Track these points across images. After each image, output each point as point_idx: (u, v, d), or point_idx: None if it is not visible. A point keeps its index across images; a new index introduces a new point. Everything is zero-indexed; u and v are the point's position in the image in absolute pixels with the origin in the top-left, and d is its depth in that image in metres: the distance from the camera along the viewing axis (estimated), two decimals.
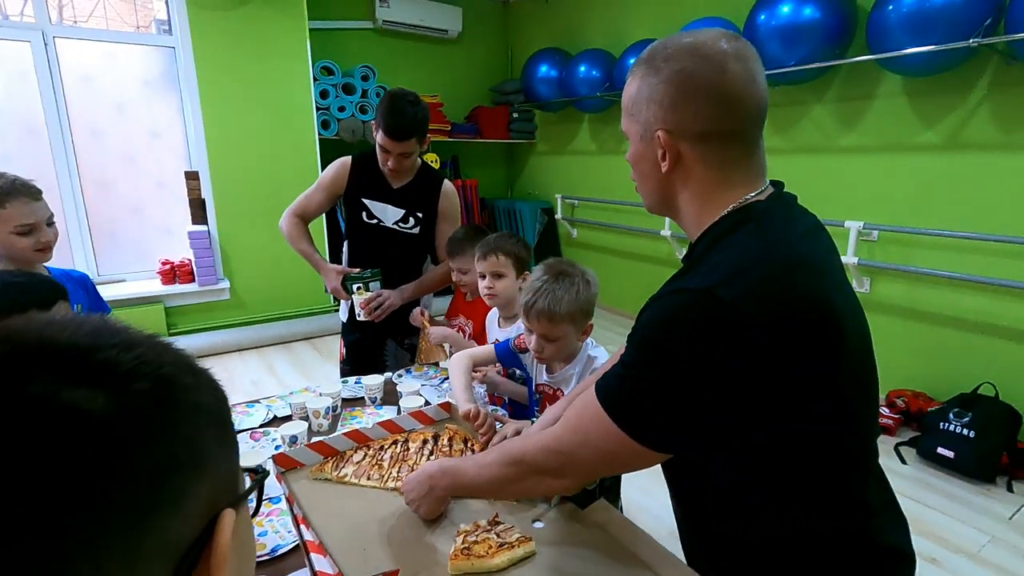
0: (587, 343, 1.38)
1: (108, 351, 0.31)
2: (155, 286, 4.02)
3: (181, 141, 4.11)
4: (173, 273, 4.07)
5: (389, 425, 1.27)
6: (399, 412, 1.53)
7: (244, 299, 4.26)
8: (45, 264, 1.53)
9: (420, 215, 2.01)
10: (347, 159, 2.02)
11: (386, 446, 1.21)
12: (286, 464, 1.13)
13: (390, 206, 1.99)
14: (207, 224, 4.09)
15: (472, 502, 1.05)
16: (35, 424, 0.26)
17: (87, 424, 0.27)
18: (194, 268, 4.06)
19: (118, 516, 0.27)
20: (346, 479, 1.10)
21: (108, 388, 0.29)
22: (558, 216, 5.15)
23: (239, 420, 1.60)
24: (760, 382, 0.66)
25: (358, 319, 1.97)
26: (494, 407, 1.66)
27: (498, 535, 0.93)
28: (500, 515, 1.01)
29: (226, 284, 4.15)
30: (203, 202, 4.10)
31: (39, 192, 1.49)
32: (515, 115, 5.22)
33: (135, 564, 0.28)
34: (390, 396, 1.71)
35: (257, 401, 1.74)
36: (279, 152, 4.18)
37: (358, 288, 1.96)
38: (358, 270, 2.00)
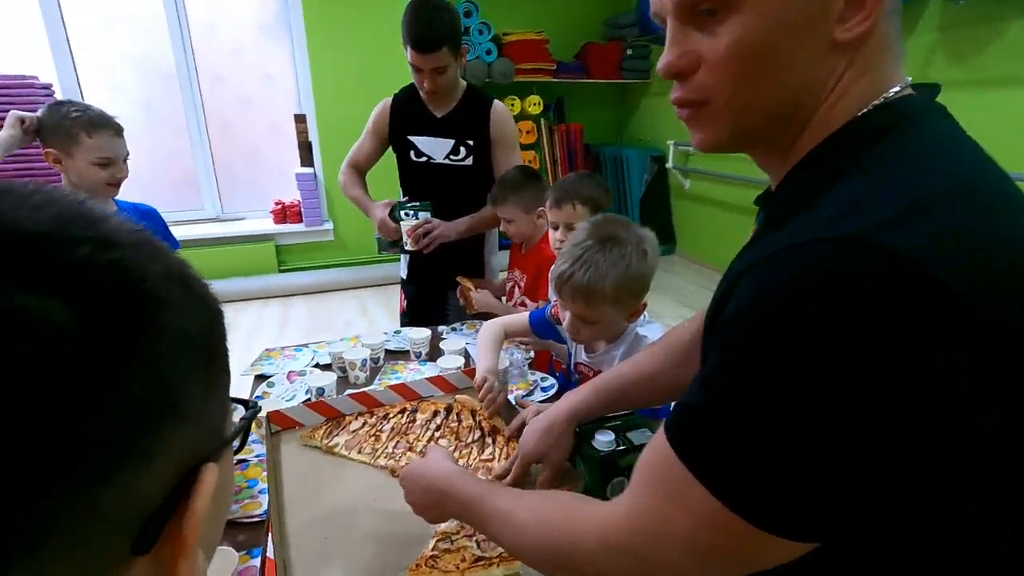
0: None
1: (78, 247, 0.23)
2: (268, 225, 4.27)
3: (292, 85, 4.23)
4: (284, 213, 4.29)
5: (401, 389, 1.14)
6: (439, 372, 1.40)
7: (346, 241, 4.40)
8: (113, 198, 1.58)
9: (471, 143, 1.80)
10: (388, 99, 1.87)
11: (391, 415, 1.08)
12: (281, 423, 1.04)
13: (438, 138, 1.80)
14: (313, 166, 4.22)
15: None
16: None
17: (36, 341, 0.20)
18: (301, 209, 4.25)
19: (68, 467, 0.21)
20: (336, 449, 0.99)
21: (69, 298, 0.21)
22: (669, 165, 4.66)
23: (284, 363, 1.58)
24: (981, 398, 0.38)
25: (405, 248, 1.82)
26: (541, 377, 1.48)
27: (479, 545, 0.76)
28: None
29: (330, 226, 4.31)
30: (310, 145, 4.23)
31: (122, 129, 1.52)
32: (628, 52, 4.73)
33: (88, 524, 0.22)
34: (439, 352, 1.59)
35: (305, 345, 1.71)
36: (381, 95, 4.14)
37: (405, 214, 1.78)
38: (406, 199, 1.84)
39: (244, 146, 4.28)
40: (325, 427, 1.03)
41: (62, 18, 3.61)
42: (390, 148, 1.91)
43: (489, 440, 1.00)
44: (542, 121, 4.66)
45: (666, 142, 4.67)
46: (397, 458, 0.96)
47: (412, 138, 1.81)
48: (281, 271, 4.29)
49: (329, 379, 1.34)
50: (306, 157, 4.24)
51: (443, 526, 0.81)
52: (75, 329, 0.21)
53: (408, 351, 1.62)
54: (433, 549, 0.75)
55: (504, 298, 1.88)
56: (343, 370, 1.48)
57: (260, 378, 1.51)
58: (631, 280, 1.00)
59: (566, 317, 1.06)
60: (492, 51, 4.27)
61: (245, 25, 4.04)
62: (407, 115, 1.82)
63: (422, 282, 1.95)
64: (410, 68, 1.68)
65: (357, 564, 0.77)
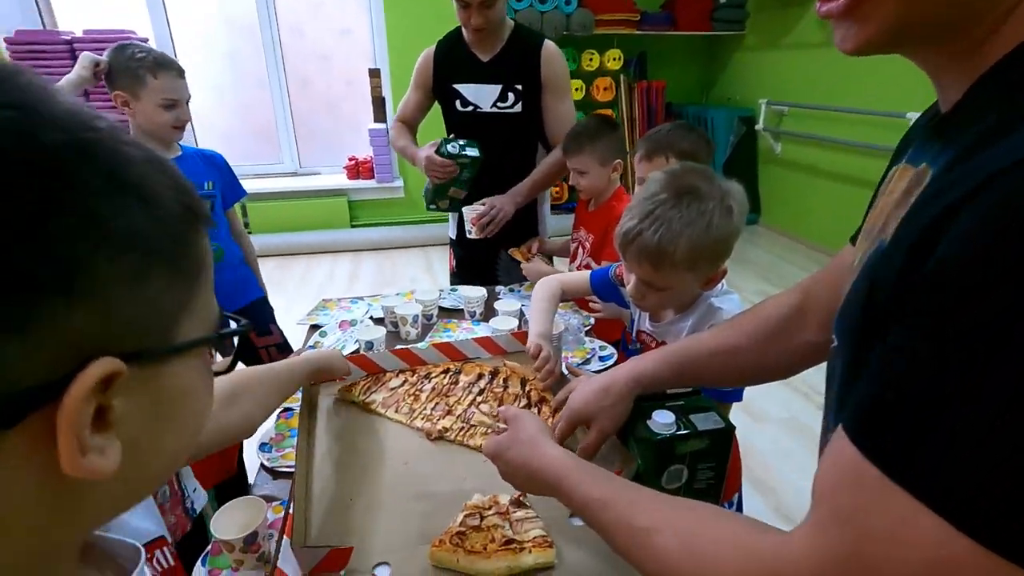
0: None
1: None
2: (342, 180, 4.34)
3: (368, 39, 4.20)
4: (357, 169, 4.34)
5: (446, 348, 1.08)
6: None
7: (416, 199, 4.40)
8: (180, 142, 1.59)
9: (520, 88, 1.66)
10: (430, 48, 1.74)
11: (434, 374, 1.01)
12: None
13: (484, 85, 1.67)
14: (386, 122, 4.21)
15: None
16: None
17: None
18: (373, 165, 4.28)
19: None
20: (372, 407, 0.94)
21: None
22: (759, 127, 4.28)
23: (339, 314, 1.56)
24: None
25: (468, 236, 1.72)
26: (600, 345, 1.37)
27: (512, 525, 0.68)
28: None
29: (400, 183, 4.32)
30: (383, 100, 4.22)
31: (183, 71, 1.53)
32: (722, 0, 4.32)
33: None
34: (494, 313, 1.52)
35: (361, 298, 1.69)
36: None
37: (452, 147, 1.61)
38: (452, 135, 1.72)
39: (322, 101, 4.33)
40: (364, 382, 0.98)
41: None
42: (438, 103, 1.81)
43: (535, 411, 0.92)
44: (621, 77, 4.39)
45: (757, 101, 4.28)
46: (435, 421, 0.90)
47: (457, 86, 1.70)
48: (353, 226, 4.37)
49: (379, 333, 1.30)
50: (379, 113, 4.24)
51: (476, 497, 0.74)
52: None
53: (462, 310, 1.57)
54: (461, 524, 0.68)
55: (568, 260, 1.77)
56: (395, 325, 1.44)
57: (315, 328, 1.50)
58: (710, 242, 0.85)
59: (631, 280, 0.93)
60: (571, 1, 4.02)
61: None
62: (451, 62, 1.70)
63: (471, 243, 1.87)
64: (455, 6, 1.56)
65: (379, 531, 0.71)
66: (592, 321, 1.48)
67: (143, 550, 0.37)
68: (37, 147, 0.23)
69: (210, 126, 4.12)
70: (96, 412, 0.24)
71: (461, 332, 1.45)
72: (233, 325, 0.34)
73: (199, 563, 0.81)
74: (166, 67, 1.45)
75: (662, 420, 0.72)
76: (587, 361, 1.32)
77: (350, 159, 4.35)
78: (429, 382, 0.99)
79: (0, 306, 0.22)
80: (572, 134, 1.53)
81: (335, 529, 0.71)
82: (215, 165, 1.67)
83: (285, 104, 4.22)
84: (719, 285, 0.95)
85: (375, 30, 4.07)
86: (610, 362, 1.31)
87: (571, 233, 1.73)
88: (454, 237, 1.97)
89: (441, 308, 1.58)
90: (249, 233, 1.86)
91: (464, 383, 0.99)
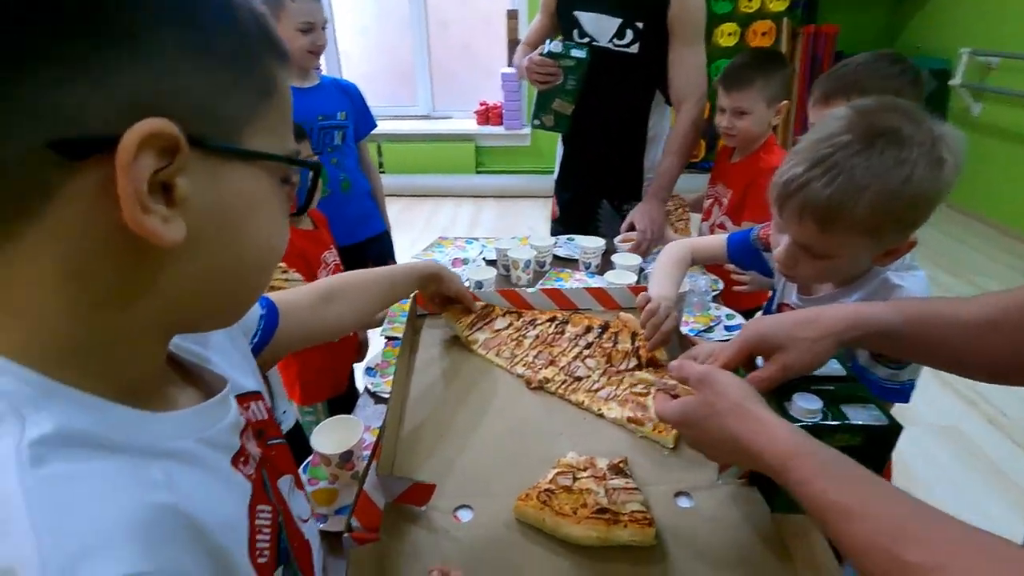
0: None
1: None
2: (471, 125, 4.36)
3: None
4: (487, 114, 4.33)
5: (555, 295, 1.00)
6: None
7: (542, 148, 4.31)
8: (317, 69, 1.63)
9: (640, 26, 1.45)
10: None
11: (540, 321, 0.95)
12: (427, 307, 0.98)
13: (605, 16, 1.48)
14: None
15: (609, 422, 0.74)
16: None
17: None
18: (503, 111, 4.23)
19: None
20: (474, 346, 0.91)
21: None
22: (955, 82, 3.57)
23: (453, 252, 1.56)
24: None
25: (533, 125, 1.60)
26: (727, 313, 1.22)
27: (607, 493, 0.61)
28: (632, 460, 0.68)
29: (527, 131, 4.24)
30: (518, 43, 4.10)
31: None
32: None
33: (30, 107, 0.25)
34: (610, 266, 1.42)
35: (476, 239, 1.67)
36: None
37: (553, 49, 1.47)
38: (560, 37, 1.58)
39: (458, 43, 4.33)
40: (471, 317, 0.94)
41: None
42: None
43: (646, 374, 0.83)
44: (785, 20, 3.86)
45: (957, 51, 3.55)
46: (536, 369, 0.85)
47: (579, 13, 1.53)
48: (478, 172, 4.40)
49: (489, 274, 1.27)
50: (513, 56, 4.14)
51: (571, 455, 0.67)
52: None
53: (577, 260, 1.48)
54: (551, 482, 0.62)
55: (700, 219, 1.59)
56: (507, 268, 1.40)
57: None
58: (904, 203, 0.65)
59: (782, 242, 0.75)
60: None
61: None
62: None
63: (573, 189, 1.74)
64: None
65: (467, 473, 0.68)
66: (721, 285, 1.32)
67: (229, 381, 0.40)
68: None
69: (355, 66, 4.30)
70: (162, 186, 0.28)
71: (574, 282, 1.37)
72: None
73: (300, 469, 0.84)
74: None
75: (805, 405, 0.59)
76: (710, 329, 1.19)
77: (481, 104, 4.33)
78: (535, 328, 0.93)
79: (69, 38, 0.25)
80: (737, 66, 1.34)
81: (422, 463, 0.69)
82: (349, 95, 1.70)
83: (424, 47, 4.27)
84: (903, 259, 0.76)
85: None
86: (735, 332, 1.16)
87: (707, 188, 1.56)
88: (557, 178, 1.83)
89: (556, 256, 1.51)
90: (382, 172, 1.89)
91: (571, 334, 0.91)
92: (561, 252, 1.53)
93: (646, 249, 1.46)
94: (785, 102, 1.30)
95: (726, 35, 3.83)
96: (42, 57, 0.25)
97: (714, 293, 1.32)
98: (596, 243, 1.45)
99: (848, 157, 0.65)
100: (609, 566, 0.57)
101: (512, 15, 4.05)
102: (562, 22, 1.60)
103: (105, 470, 0.27)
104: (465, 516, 0.63)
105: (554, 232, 1.81)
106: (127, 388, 0.31)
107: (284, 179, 0.35)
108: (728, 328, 1.19)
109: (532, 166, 4.34)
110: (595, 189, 1.72)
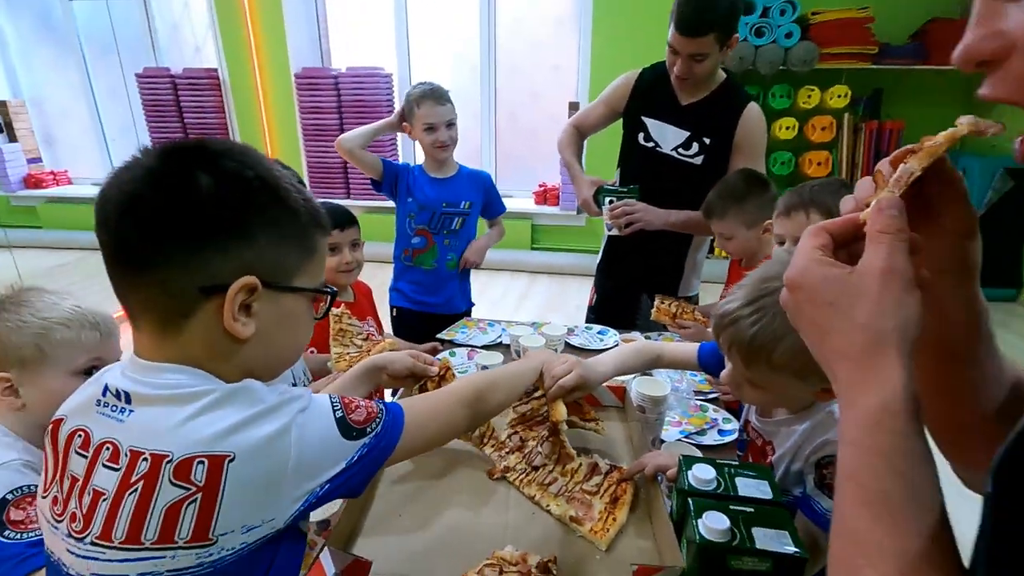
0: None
1: (233, 158, 0.55)
2: (529, 204, 4.59)
3: (575, 75, 4.40)
4: (544, 195, 4.56)
5: None
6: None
7: (597, 229, 4.44)
8: (454, 159, 1.89)
9: (707, 141, 1.58)
10: (633, 72, 1.72)
11: (535, 395, 0.99)
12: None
13: (671, 127, 1.62)
14: None
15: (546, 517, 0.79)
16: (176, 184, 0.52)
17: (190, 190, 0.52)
18: (560, 193, 4.45)
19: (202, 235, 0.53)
20: None
21: (213, 176, 0.53)
22: None
23: (474, 335, 1.67)
24: None
25: (608, 232, 1.73)
26: (724, 417, 1.23)
27: None
28: (562, 560, 0.72)
29: (582, 213, 4.40)
30: None
31: (442, 96, 1.77)
32: None
33: (193, 269, 0.53)
34: None
35: (498, 322, 1.77)
36: None
37: (610, 201, 1.66)
38: (615, 182, 1.73)
39: (525, 131, 4.66)
40: (431, 383, 1.01)
41: (406, 20, 4.43)
42: (618, 124, 1.80)
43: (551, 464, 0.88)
44: (846, 116, 3.88)
45: None
46: (503, 454, 0.91)
47: (646, 119, 1.68)
48: (533, 248, 4.59)
49: (496, 359, 1.35)
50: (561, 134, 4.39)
51: (506, 550, 0.73)
52: (212, 188, 0.53)
53: (596, 350, 1.54)
54: (478, 572, 0.68)
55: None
56: (519, 355, 1.48)
57: (448, 343, 1.63)
58: None
59: (727, 367, 0.81)
60: (793, 33, 3.69)
61: (545, 19, 4.35)
62: (650, 95, 1.68)
63: (615, 279, 1.82)
64: (667, 47, 1.55)
65: (405, 551, 0.75)
66: (715, 394, 1.34)
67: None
68: (248, 181, 0.55)
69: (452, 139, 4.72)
70: (244, 306, 0.54)
71: None
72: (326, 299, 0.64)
73: None
74: (427, 97, 1.74)
75: (712, 523, 0.63)
76: (702, 432, 1.20)
77: (540, 185, 4.58)
78: (526, 404, 0.97)
79: (224, 236, 0.53)
80: (715, 195, 1.43)
81: (373, 541, 0.77)
82: (479, 185, 1.92)
83: (491, 136, 4.63)
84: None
85: (581, 66, 4.25)
86: (729, 437, 1.17)
87: (723, 290, 1.60)
88: (598, 261, 1.96)
89: (568, 344, 1.58)
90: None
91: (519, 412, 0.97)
92: (575, 341, 1.61)
93: (627, 221, 1.60)
94: (768, 222, 1.34)
95: (784, 128, 3.89)
96: (209, 244, 0.52)
97: (713, 395, 1.33)
98: (559, 331, 1.51)
99: (773, 303, 0.68)
100: None
101: (574, 107, 4.33)
102: (627, 121, 1.75)
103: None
104: None
105: (588, 319, 1.92)
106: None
107: (314, 298, 0.61)
108: (721, 432, 1.20)
109: (585, 246, 4.48)
110: (637, 282, 1.81)
